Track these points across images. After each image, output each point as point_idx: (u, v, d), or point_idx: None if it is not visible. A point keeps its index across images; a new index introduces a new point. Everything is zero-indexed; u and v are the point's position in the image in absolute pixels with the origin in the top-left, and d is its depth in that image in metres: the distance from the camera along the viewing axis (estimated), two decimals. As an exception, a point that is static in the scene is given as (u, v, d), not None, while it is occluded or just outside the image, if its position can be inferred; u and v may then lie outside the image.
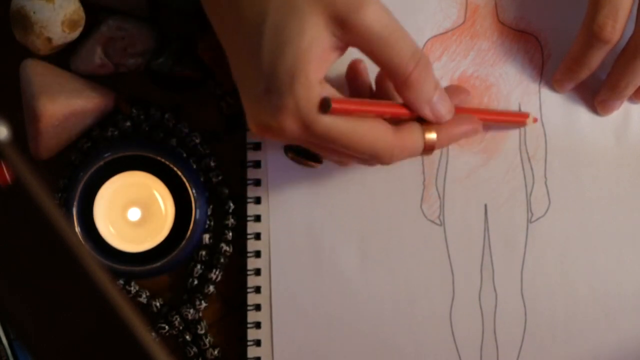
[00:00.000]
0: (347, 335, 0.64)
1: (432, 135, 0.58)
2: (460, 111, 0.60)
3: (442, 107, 0.58)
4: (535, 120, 0.64)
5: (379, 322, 0.64)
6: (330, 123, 0.54)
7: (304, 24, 0.53)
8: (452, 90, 0.62)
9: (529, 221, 0.65)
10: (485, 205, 0.64)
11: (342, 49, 0.55)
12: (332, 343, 0.64)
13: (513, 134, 0.65)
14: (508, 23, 0.66)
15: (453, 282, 0.64)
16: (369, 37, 0.54)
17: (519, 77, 0.65)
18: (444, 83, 0.65)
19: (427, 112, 0.57)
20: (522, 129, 0.65)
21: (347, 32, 0.54)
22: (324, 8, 0.53)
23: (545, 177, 0.65)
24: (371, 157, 0.57)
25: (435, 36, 0.65)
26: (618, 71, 0.62)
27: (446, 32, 0.66)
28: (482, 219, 0.65)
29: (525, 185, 0.65)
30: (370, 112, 0.56)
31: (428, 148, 0.58)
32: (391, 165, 0.59)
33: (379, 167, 0.59)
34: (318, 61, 0.53)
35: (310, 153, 0.61)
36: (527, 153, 0.65)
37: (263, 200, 0.65)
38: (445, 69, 0.65)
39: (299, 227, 0.65)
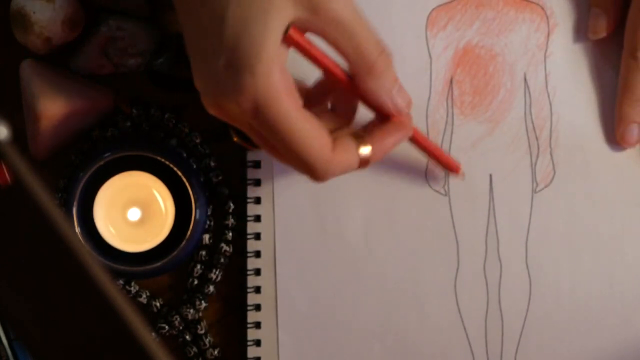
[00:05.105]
0: (348, 334, 0.64)
1: (366, 150, 0.57)
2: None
3: (402, 100, 0.57)
4: (459, 171, 0.64)
5: (383, 308, 0.64)
6: (283, 113, 0.53)
7: (272, 1, 0.52)
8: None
9: (534, 191, 0.64)
10: (490, 175, 0.64)
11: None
12: (333, 343, 0.64)
13: (518, 104, 0.65)
14: (513, -9, 0.66)
15: (458, 252, 0.64)
16: (337, 25, 0.53)
17: (524, 46, 0.65)
18: (449, 52, 0.65)
19: (388, 103, 0.57)
20: (527, 98, 0.64)
21: (315, 18, 0.53)
22: None
23: (550, 147, 0.64)
24: (305, 166, 0.55)
25: (440, 5, 0.65)
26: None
27: (451, 1, 0.65)
28: (487, 188, 0.64)
29: (530, 155, 0.64)
30: (322, 60, 0.55)
31: (363, 163, 0.57)
32: None
33: None
34: (282, 43, 0.52)
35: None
36: (533, 123, 0.65)
37: (263, 200, 0.65)
38: (450, 38, 0.65)
39: (304, 208, 0.64)
